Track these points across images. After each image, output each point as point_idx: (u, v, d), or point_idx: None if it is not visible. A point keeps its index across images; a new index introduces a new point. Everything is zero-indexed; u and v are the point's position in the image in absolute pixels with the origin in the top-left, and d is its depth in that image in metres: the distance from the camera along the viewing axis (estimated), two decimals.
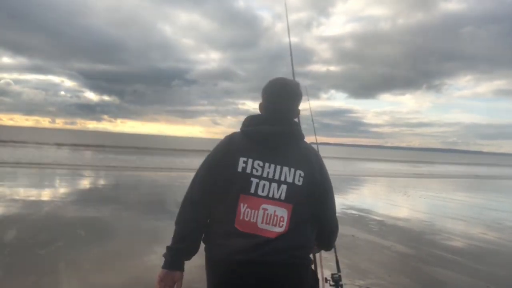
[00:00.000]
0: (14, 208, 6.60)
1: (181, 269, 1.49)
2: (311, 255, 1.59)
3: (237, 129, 1.60)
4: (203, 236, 1.53)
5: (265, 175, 1.46)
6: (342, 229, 6.34)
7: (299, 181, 1.48)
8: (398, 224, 7.27)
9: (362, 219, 7.50)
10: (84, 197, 8.39)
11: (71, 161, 17.94)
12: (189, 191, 1.53)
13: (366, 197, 11.75)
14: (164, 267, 1.47)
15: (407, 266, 4.60)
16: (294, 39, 3.82)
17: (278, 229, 1.42)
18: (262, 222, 1.42)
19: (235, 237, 1.41)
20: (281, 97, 1.58)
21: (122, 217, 6.47)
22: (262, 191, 1.44)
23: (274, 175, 1.47)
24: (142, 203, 7.93)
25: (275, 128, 1.51)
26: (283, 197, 1.45)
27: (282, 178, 1.47)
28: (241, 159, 1.47)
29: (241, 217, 1.42)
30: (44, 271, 3.70)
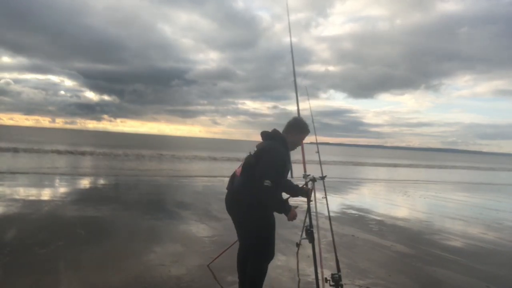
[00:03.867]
0: (14, 207, 6.60)
1: (291, 207, 3.10)
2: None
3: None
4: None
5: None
6: (342, 229, 6.36)
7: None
8: (397, 224, 7.27)
9: (361, 219, 7.51)
10: (84, 197, 8.40)
11: (76, 162, 17.92)
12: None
13: (366, 197, 11.75)
14: (289, 209, 3.04)
15: (407, 266, 4.60)
16: (293, 39, 3.80)
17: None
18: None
19: None
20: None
21: (122, 217, 6.47)
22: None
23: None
24: (141, 203, 7.93)
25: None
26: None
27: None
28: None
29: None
30: (44, 271, 3.70)
